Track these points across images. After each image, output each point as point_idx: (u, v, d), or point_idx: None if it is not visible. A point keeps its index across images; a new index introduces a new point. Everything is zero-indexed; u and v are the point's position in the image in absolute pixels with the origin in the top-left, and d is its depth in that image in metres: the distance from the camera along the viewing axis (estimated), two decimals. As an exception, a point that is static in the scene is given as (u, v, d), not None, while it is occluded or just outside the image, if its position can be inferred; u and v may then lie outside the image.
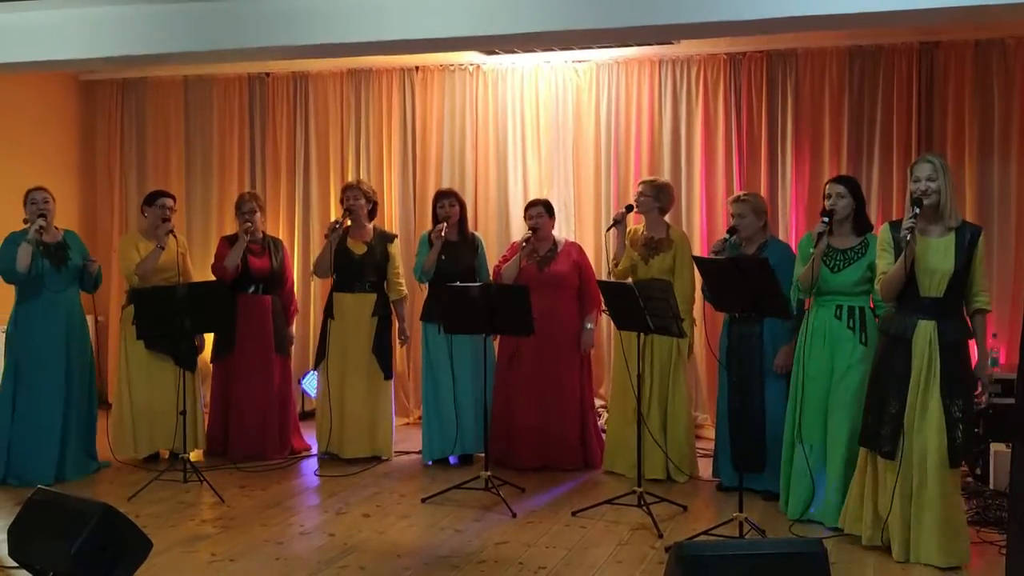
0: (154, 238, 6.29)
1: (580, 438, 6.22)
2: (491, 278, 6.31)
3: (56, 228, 6.09)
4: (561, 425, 6.16)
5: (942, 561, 4.40)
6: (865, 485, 4.65)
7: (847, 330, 4.93)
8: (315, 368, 6.73)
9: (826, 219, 4.92)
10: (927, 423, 4.43)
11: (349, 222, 6.49)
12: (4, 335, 6.16)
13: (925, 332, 4.46)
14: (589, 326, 6.20)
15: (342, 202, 6.52)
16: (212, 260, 6.64)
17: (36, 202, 5.96)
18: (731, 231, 5.50)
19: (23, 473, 5.87)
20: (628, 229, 6.09)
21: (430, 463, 6.36)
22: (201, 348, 6.61)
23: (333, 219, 6.56)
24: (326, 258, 6.40)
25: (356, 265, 6.42)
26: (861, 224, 5.01)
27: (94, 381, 6.23)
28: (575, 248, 6.37)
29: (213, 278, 6.44)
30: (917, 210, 4.40)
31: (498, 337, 6.26)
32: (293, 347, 6.93)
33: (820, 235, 4.88)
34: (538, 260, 6.21)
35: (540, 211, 6.22)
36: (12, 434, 5.91)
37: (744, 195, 5.72)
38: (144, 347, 6.24)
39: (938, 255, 4.44)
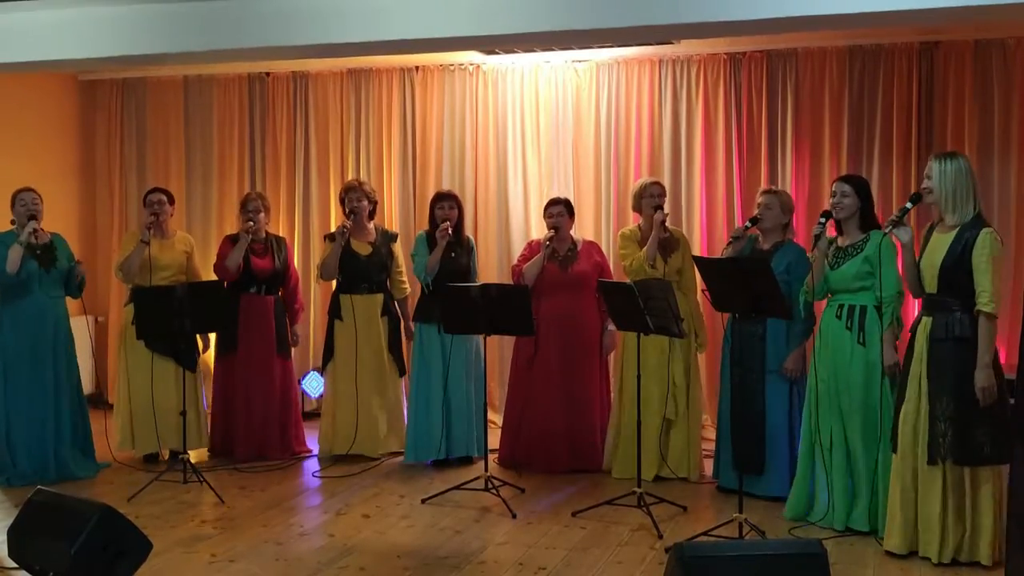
0: (155, 235, 6.30)
1: (598, 439, 6.18)
2: (512, 278, 6.31)
3: (43, 230, 6.04)
4: (585, 428, 6.13)
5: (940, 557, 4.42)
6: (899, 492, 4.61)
7: (845, 331, 4.93)
8: (321, 370, 6.72)
9: (822, 219, 4.96)
10: (919, 419, 4.48)
11: (350, 224, 6.49)
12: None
13: (923, 328, 4.53)
14: (611, 327, 6.08)
15: (343, 203, 6.52)
16: (213, 259, 6.64)
17: (25, 203, 5.94)
18: (753, 220, 5.49)
19: (20, 473, 5.86)
20: (626, 230, 6.09)
21: (429, 463, 6.35)
22: (205, 348, 6.61)
23: (339, 224, 6.55)
24: (333, 261, 6.39)
25: (362, 266, 6.42)
26: (867, 222, 5.01)
27: (80, 381, 6.22)
28: (595, 248, 6.34)
29: (216, 278, 6.43)
30: (909, 205, 4.65)
31: (515, 339, 6.26)
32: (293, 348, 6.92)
33: (817, 236, 4.91)
34: (559, 260, 6.17)
35: (560, 210, 6.17)
36: (5, 436, 5.91)
37: (776, 188, 5.76)
38: (144, 346, 6.23)
39: (935, 251, 4.48)
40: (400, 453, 6.46)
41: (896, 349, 4.84)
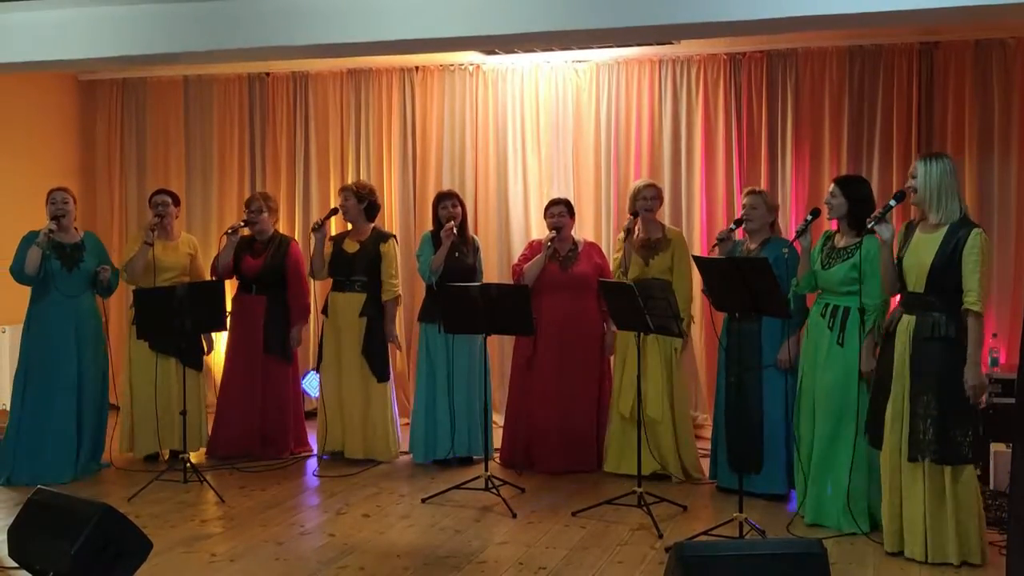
0: (159, 236, 6.30)
1: (596, 439, 6.19)
2: (512, 278, 6.30)
3: (76, 229, 6.08)
4: (585, 427, 6.12)
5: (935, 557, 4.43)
6: (890, 490, 4.61)
7: (827, 330, 4.96)
8: (316, 368, 6.72)
9: (809, 217, 5.04)
10: (903, 418, 4.49)
11: (349, 225, 6.48)
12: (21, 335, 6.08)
13: (905, 327, 4.53)
14: (614, 328, 6.04)
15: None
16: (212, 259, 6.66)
17: (55, 202, 5.97)
18: (738, 222, 5.50)
19: (34, 473, 5.82)
20: (623, 233, 6.10)
21: (430, 462, 6.34)
22: (210, 349, 6.60)
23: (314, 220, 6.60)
24: (314, 260, 6.42)
25: (347, 264, 6.41)
26: (860, 224, 4.98)
27: (107, 383, 6.20)
28: (595, 249, 6.33)
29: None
30: (892, 203, 4.62)
31: (515, 339, 6.25)
32: (298, 348, 6.78)
33: (799, 232, 4.95)
34: (560, 260, 6.16)
35: (562, 210, 6.16)
36: (22, 434, 5.90)
37: (759, 188, 5.79)
38: (148, 347, 6.23)
39: (922, 250, 4.48)
40: (384, 462, 6.40)
41: (875, 356, 4.84)
